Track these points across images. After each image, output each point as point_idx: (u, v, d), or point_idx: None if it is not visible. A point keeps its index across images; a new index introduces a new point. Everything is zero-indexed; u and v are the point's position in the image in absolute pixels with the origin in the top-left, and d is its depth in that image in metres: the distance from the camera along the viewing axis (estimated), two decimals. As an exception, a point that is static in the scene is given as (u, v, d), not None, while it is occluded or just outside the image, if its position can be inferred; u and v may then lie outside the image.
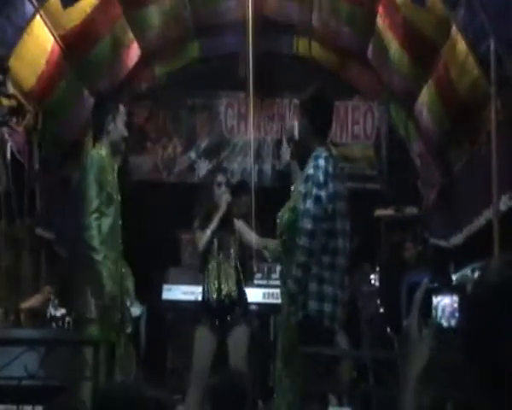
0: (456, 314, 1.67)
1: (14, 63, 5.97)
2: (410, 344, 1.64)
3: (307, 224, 4.39)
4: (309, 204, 4.40)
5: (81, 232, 4.84)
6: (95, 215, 4.79)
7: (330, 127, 4.86)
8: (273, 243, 5.04)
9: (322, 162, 4.43)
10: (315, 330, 4.39)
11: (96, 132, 5.21)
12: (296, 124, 5.51)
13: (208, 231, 5.63)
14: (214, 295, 5.57)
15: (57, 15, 6.34)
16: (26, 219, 6.94)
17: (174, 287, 7.38)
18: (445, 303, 1.68)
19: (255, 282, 7.35)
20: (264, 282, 7.45)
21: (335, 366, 5.51)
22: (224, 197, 5.69)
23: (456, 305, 1.68)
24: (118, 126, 5.02)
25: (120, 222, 5.03)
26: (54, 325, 6.46)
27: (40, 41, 6.30)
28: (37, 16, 6.10)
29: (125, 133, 5.10)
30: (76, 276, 5.17)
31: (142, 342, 7.64)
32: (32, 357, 4.09)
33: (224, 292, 5.59)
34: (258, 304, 7.15)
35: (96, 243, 4.75)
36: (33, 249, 7.28)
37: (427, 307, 1.67)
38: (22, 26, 5.94)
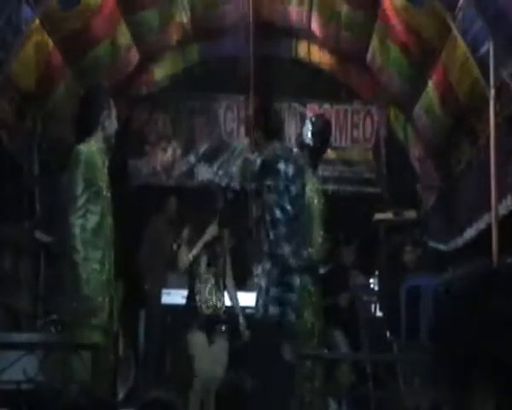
0: None
1: (13, 67, 5.97)
2: None
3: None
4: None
5: (65, 231, 4.62)
6: (79, 213, 4.59)
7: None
8: None
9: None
10: (271, 331, 4.52)
11: (82, 127, 4.98)
12: (305, 129, 5.55)
13: (190, 256, 5.68)
14: (203, 307, 5.65)
15: (57, 19, 6.35)
16: (26, 222, 6.93)
17: (173, 291, 7.36)
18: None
19: (253, 286, 7.31)
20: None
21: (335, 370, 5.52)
22: (210, 229, 5.73)
23: None
24: (113, 121, 4.86)
25: (111, 220, 4.77)
26: (53, 328, 6.45)
27: (40, 45, 6.30)
28: (37, 20, 6.10)
29: (117, 127, 4.96)
30: (58, 276, 4.97)
31: (141, 346, 7.63)
32: (31, 361, 4.08)
33: (211, 306, 5.67)
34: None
35: (77, 243, 4.55)
36: (32, 253, 7.27)
37: None
38: (22, 30, 5.95)
